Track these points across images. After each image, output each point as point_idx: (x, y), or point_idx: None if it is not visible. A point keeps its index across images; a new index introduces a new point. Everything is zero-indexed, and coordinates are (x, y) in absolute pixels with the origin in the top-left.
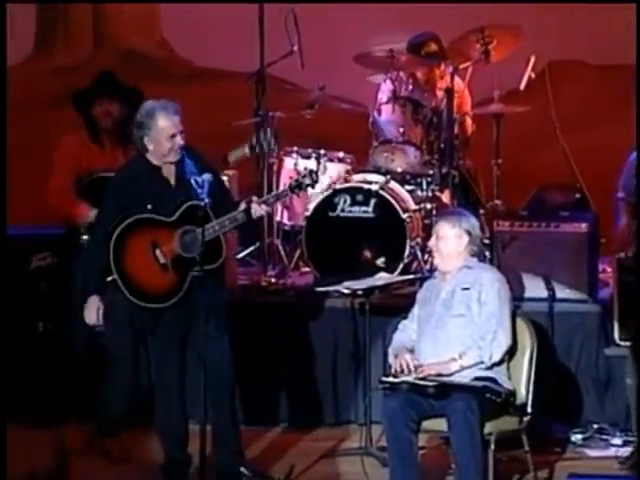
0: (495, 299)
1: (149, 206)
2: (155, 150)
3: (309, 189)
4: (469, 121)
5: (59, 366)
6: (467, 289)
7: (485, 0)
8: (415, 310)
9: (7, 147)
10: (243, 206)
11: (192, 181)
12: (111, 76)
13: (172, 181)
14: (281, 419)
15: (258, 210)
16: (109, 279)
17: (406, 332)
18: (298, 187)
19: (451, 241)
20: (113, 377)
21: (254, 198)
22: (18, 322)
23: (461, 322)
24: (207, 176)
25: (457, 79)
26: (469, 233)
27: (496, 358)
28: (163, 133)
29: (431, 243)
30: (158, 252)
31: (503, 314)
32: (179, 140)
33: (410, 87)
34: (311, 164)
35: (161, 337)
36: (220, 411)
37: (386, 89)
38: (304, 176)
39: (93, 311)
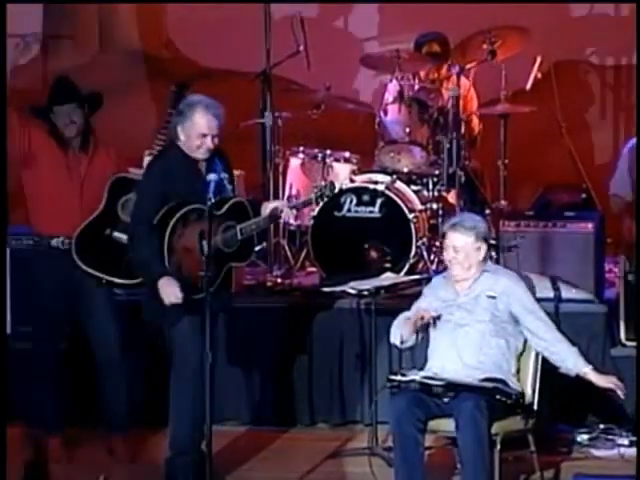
0: (538, 307)
1: (212, 199)
2: (185, 142)
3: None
4: (476, 120)
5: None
6: (493, 297)
7: (492, 0)
8: (423, 304)
9: (11, 148)
10: (271, 208)
11: (222, 179)
12: (67, 84)
13: (204, 175)
14: (286, 419)
15: (288, 213)
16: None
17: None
18: (321, 197)
19: (471, 253)
20: (105, 377)
21: (284, 202)
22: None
23: (483, 328)
24: (213, 176)
25: (463, 79)
26: (486, 240)
27: (577, 350)
28: (195, 128)
29: (449, 256)
30: (204, 243)
31: (545, 313)
32: (208, 142)
33: (416, 87)
34: (317, 164)
35: (181, 329)
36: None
37: (393, 89)
38: (325, 186)
39: (173, 289)
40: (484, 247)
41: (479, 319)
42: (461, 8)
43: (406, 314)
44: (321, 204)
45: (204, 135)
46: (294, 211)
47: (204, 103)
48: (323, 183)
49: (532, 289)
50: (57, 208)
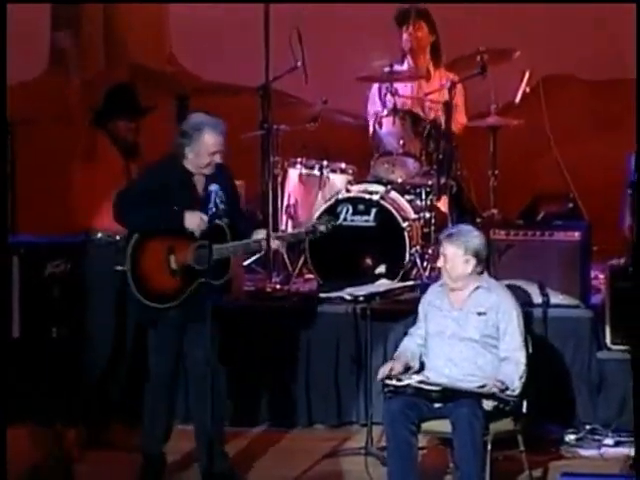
0: (517, 330)
1: (213, 209)
2: (193, 160)
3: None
4: (461, 117)
5: (72, 370)
6: (483, 314)
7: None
8: (421, 316)
9: (19, 159)
10: (259, 236)
11: (216, 197)
12: (131, 94)
13: (200, 190)
14: (285, 420)
15: (271, 244)
16: (119, 269)
17: (412, 338)
18: (313, 232)
19: (459, 265)
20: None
21: (272, 233)
22: (33, 327)
23: (475, 346)
24: (214, 187)
25: (451, 75)
26: (476, 255)
27: (519, 385)
28: (206, 148)
29: (439, 264)
30: (172, 258)
31: (522, 343)
32: (217, 158)
33: (409, 101)
34: (314, 175)
35: (160, 331)
36: (204, 412)
37: (384, 101)
38: (321, 223)
39: (197, 218)
40: (473, 261)
41: (469, 336)
42: (453, 22)
43: (398, 352)
44: (319, 213)
45: (214, 153)
46: (278, 242)
47: (210, 123)
48: (321, 219)
49: (518, 297)
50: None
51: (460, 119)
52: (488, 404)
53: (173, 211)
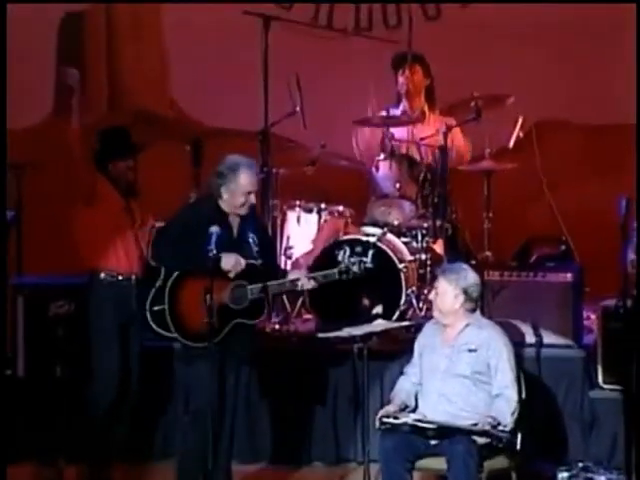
0: (507, 367)
1: (213, 250)
2: (228, 200)
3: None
4: (465, 154)
5: (76, 409)
6: (474, 350)
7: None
8: (416, 354)
9: (26, 201)
10: (293, 276)
11: (249, 238)
12: (127, 137)
13: (235, 231)
14: (284, 458)
15: (305, 284)
16: (156, 309)
17: (408, 377)
18: (346, 273)
19: (448, 299)
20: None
21: (304, 272)
22: (37, 366)
23: (466, 382)
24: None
25: (447, 119)
26: (465, 292)
27: (512, 421)
28: (241, 188)
29: (432, 297)
30: (208, 297)
31: (514, 379)
32: (252, 198)
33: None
34: (313, 218)
35: (196, 369)
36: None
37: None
38: (354, 264)
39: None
40: (461, 298)
41: (460, 373)
42: (447, 67)
43: (394, 393)
44: (317, 254)
45: (249, 192)
46: (312, 281)
47: (246, 164)
48: (352, 260)
49: (511, 337)
50: (120, 248)
51: (463, 152)
52: (481, 440)
53: (209, 252)
